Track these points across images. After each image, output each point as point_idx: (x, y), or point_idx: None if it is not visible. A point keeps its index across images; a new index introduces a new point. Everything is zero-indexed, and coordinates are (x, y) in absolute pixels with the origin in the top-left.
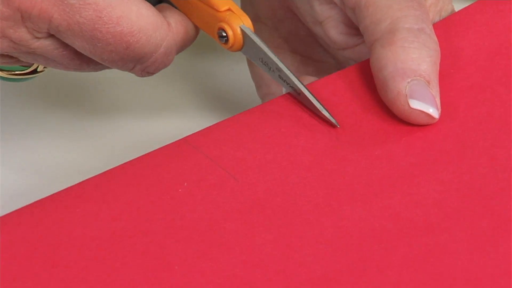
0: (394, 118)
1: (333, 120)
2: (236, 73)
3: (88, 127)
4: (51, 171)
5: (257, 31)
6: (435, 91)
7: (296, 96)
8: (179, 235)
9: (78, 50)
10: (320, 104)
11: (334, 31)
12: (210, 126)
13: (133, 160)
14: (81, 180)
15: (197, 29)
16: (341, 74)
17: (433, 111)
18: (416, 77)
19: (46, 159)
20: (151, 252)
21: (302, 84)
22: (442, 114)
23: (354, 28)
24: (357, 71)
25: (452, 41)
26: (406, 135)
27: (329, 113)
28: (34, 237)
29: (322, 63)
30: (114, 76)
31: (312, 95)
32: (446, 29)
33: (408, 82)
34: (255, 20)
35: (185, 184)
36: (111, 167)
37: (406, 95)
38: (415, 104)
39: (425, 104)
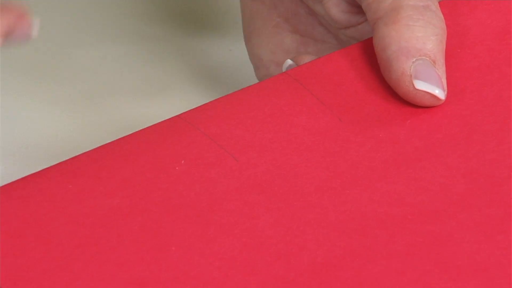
0: (398, 99)
1: None
2: (233, 54)
3: (83, 106)
4: (43, 150)
5: (255, 10)
6: (441, 71)
7: None
8: (176, 215)
9: None
10: None
11: (335, 9)
12: (206, 103)
13: (127, 136)
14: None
15: None
16: (343, 52)
17: (439, 92)
18: (421, 56)
19: (39, 138)
20: (147, 232)
21: None
22: (448, 96)
23: (356, 6)
24: (359, 49)
25: (459, 20)
26: (410, 117)
27: None
28: (25, 212)
29: (323, 43)
30: (110, 55)
31: None
32: (453, 7)
33: (413, 62)
34: None
35: (183, 161)
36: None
37: (411, 75)
38: (420, 85)
39: (430, 85)
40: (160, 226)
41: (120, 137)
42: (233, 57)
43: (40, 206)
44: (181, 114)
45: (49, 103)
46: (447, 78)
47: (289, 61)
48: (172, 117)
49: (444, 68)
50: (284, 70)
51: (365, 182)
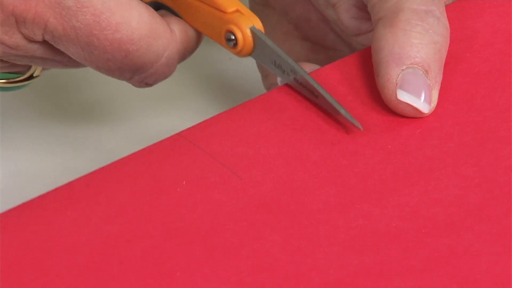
0: None
1: (357, 124)
2: (234, 62)
3: (84, 121)
4: (43, 170)
5: (264, 16)
6: (433, 81)
7: (313, 99)
8: (180, 239)
9: (72, 57)
10: (342, 107)
11: (346, 15)
12: (207, 120)
13: (126, 157)
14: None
15: (199, 37)
16: (350, 58)
17: (422, 106)
18: (412, 65)
19: (39, 156)
20: (149, 257)
21: (321, 86)
22: (459, 102)
23: (366, 12)
24: (367, 55)
25: (467, 23)
26: (421, 126)
27: (351, 116)
28: (21, 242)
29: (335, 51)
30: None
31: (332, 97)
32: (461, 10)
33: (402, 70)
34: (263, 4)
35: (184, 182)
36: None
37: (396, 83)
38: (403, 96)
39: (413, 97)
40: (163, 252)
41: (122, 151)
42: (233, 66)
43: (37, 235)
44: (181, 132)
45: (54, 113)
46: (457, 84)
47: None
48: (172, 136)
49: (439, 79)
50: (279, 85)
51: (375, 196)
